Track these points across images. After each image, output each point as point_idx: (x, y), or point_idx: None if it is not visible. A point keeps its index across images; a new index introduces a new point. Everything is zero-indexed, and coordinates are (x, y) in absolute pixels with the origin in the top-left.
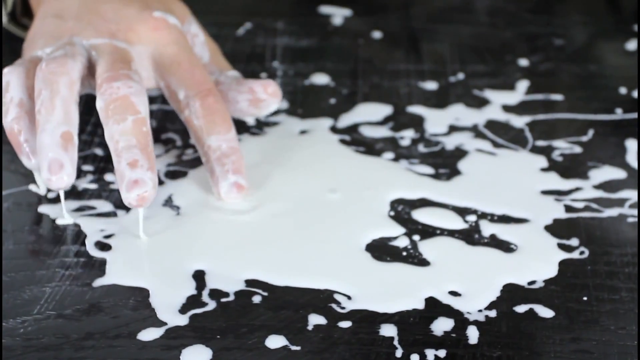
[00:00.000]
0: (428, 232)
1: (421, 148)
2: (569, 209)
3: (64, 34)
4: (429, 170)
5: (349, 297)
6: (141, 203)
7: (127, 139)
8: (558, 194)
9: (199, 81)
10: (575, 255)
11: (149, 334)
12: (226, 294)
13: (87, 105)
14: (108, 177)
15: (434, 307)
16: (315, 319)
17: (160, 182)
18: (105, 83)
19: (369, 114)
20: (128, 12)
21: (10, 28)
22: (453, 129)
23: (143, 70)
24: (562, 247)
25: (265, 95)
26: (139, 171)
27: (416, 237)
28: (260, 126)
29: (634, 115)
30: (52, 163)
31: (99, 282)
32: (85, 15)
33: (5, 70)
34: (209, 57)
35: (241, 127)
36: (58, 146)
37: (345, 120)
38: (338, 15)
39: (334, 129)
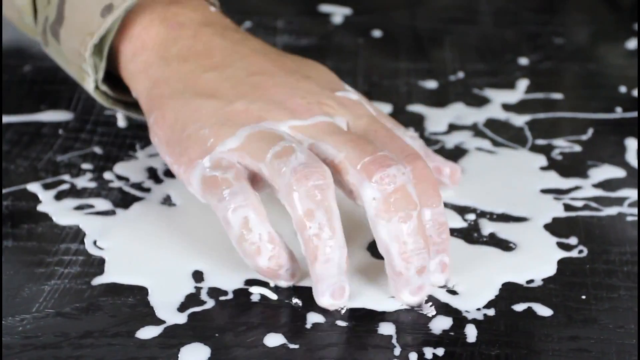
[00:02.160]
0: None
1: None
2: (568, 207)
3: (247, 118)
4: None
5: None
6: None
7: (415, 241)
8: (557, 192)
9: (401, 147)
10: (574, 254)
11: (147, 332)
12: (225, 293)
13: (86, 102)
14: (107, 175)
15: (433, 306)
16: (314, 318)
17: (159, 181)
18: (377, 171)
19: None
20: (303, 87)
21: (96, 96)
22: (453, 127)
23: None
24: (561, 245)
25: (447, 180)
26: (425, 277)
27: None
28: None
29: (634, 114)
30: (336, 290)
31: (97, 281)
32: (251, 92)
33: (237, 204)
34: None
35: None
36: (342, 273)
37: None
38: (338, 14)
39: None
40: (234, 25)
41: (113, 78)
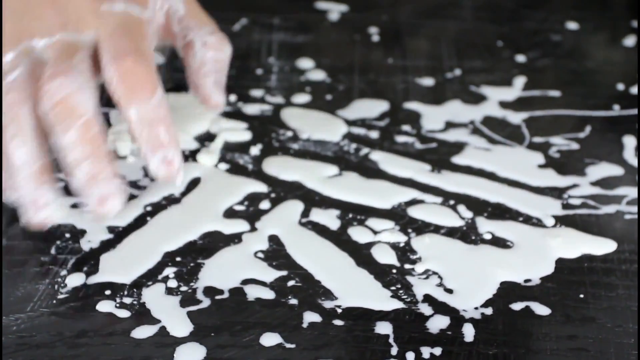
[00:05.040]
0: (423, 228)
1: (417, 144)
2: (566, 205)
3: (22, 35)
4: (425, 166)
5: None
6: (111, 212)
7: (81, 150)
8: (555, 190)
9: (116, 48)
10: None
11: (143, 332)
12: (221, 292)
13: None
14: None
15: (430, 305)
16: (311, 317)
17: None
18: (45, 83)
19: (366, 110)
20: (77, 3)
21: None
22: (449, 125)
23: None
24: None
25: (205, 104)
26: (103, 185)
27: (411, 234)
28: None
29: (632, 111)
30: (34, 201)
31: (93, 280)
32: (38, 6)
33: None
34: (184, 10)
35: (240, 118)
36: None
37: (342, 116)
38: (334, 11)
39: None
40: None
41: None
